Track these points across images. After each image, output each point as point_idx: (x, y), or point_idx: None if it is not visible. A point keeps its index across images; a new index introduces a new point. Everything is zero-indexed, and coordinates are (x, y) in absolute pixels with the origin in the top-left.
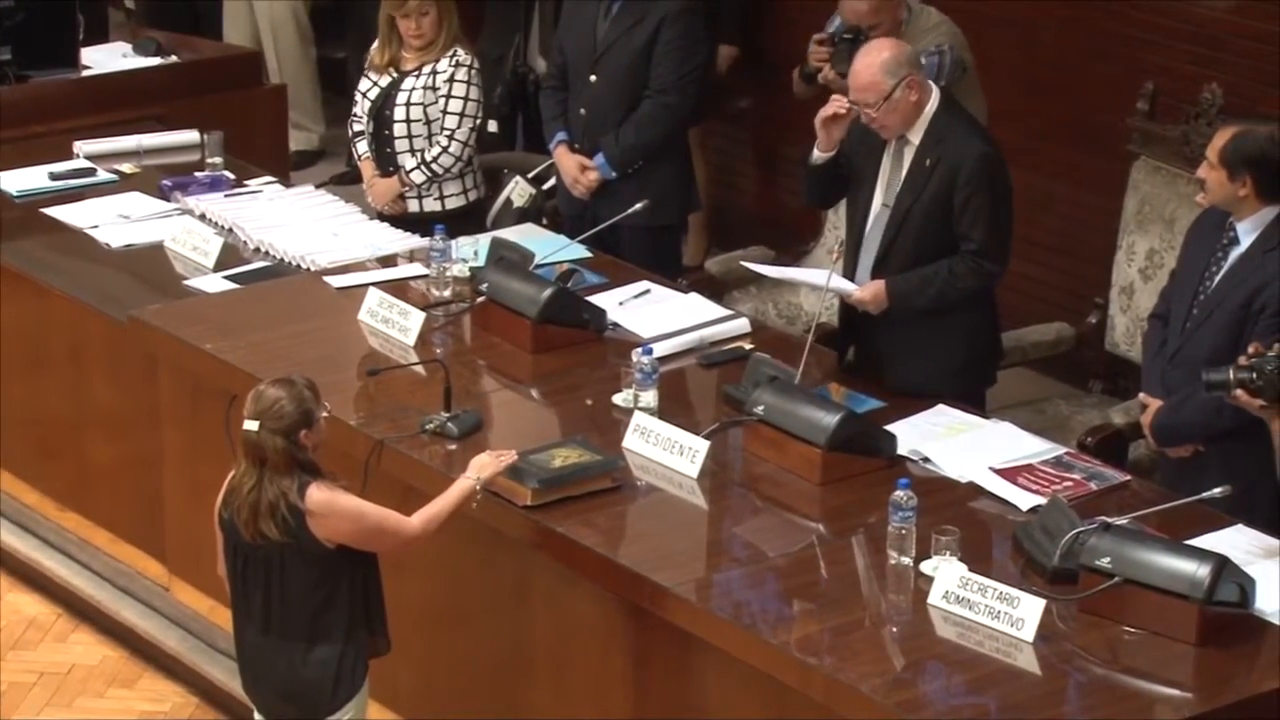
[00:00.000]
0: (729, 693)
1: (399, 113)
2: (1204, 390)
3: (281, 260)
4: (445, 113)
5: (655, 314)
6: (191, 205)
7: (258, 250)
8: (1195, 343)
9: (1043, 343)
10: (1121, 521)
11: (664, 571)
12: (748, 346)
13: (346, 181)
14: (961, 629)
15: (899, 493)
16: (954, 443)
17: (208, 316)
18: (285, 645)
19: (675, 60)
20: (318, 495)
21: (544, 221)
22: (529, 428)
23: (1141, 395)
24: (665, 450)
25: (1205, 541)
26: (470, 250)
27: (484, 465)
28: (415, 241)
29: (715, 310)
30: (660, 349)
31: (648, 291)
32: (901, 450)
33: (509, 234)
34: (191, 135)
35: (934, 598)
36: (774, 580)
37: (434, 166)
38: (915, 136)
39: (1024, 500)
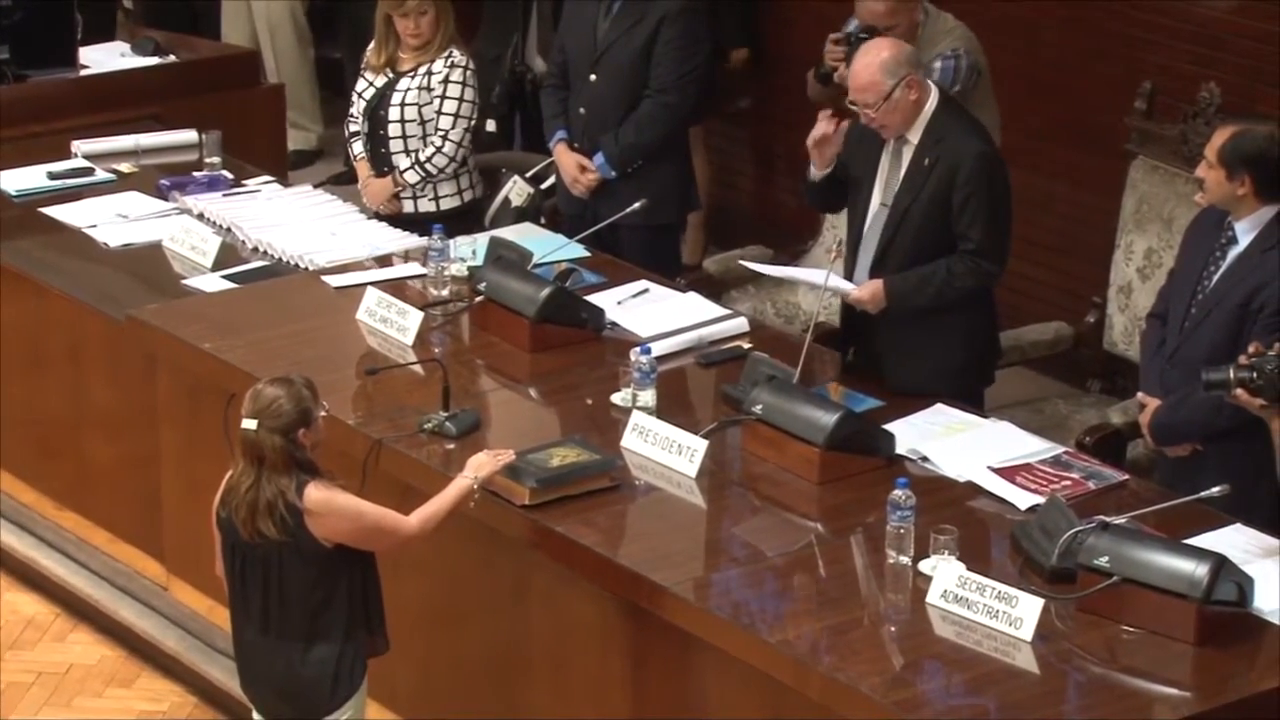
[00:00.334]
0: (727, 692)
1: (394, 113)
2: (1204, 389)
3: (280, 260)
4: (440, 113)
5: (653, 313)
6: (190, 205)
7: (256, 250)
8: (1193, 342)
9: (1041, 342)
10: (1120, 521)
11: (662, 571)
12: (746, 346)
13: (344, 181)
14: (960, 628)
15: (897, 492)
16: (952, 442)
17: (206, 316)
18: (284, 644)
19: (675, 60)
20: (316, 494)
21: (542, 221)
22: (527, 427)
23: (1140, 394)
24: (664, 449)
25: (1204, 541)
26: (468, 249)
27: (482, 464)
28: (413, 241)
29: (713, 309)
30: (659, 348)
31: (646, 291)
32: (900, 449)
33: (507, 233)
34: (190, 135)
35: (932, 597)
36: (772, 579)
37: (428, 167)
38: (914, 136)
39: (1022, 499)
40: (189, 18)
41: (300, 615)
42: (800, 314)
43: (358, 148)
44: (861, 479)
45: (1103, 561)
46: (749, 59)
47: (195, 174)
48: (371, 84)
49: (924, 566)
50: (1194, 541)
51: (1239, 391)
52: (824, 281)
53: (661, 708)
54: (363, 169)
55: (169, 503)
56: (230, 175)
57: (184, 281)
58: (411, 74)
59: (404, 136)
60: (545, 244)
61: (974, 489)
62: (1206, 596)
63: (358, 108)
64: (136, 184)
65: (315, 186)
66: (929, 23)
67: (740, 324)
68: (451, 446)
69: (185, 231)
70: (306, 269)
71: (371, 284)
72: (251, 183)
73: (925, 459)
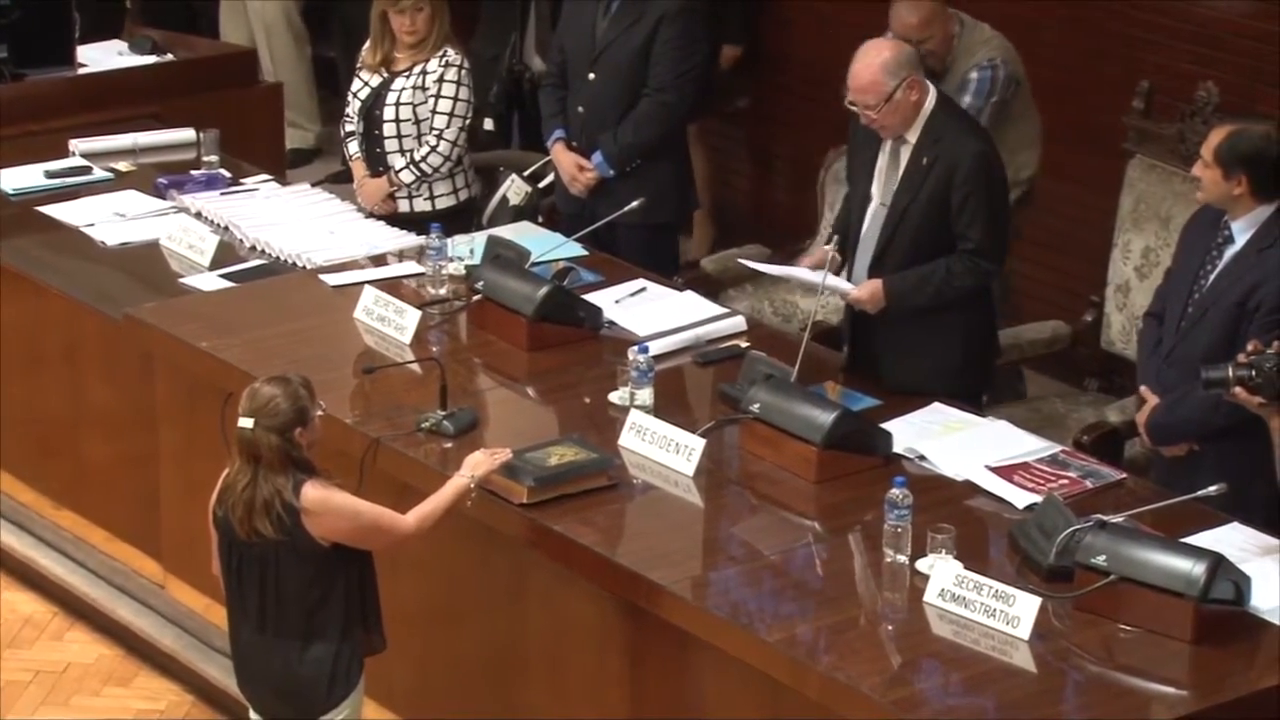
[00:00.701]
0: (725, 691)
1: (389, 113)
2: (1203, 388)
3: (277, 258)
4: (435, 113)
5: (651, 312)
6: (187, 203)
7: (253, 248)
8: (1190, 341)
9: (1038, 341)
10: (1117, 519)
11: (660, 570)
12: (744, 344)
13: (342, 180)
14: (957, 627)
15: (895, 491)
16: (950, 441)
17: (203, 314)
18: (280, 643)
19: (673, 59)
20: (312, 493)
21: (540, 220)
22: (525, 426)
23: (1141, 389)
24: (661, 448)
25: (1201, 539)
26: (466, 248)
27: (479, 463)
28: (411, 240)
29: (711, 308)
30: (656, 347)
31: (644, 290)
32: (897, 448)
33: (505, 232)
34: (187, 133)
35: (930, 596)
36: (770, 578)
37: (423, 166)
38: (912, 135)
39: (1020, 498)
40: (187, 16)
41: (297, 614)
42: (798, 313)
43: (353, 147)
44: (859, 478)
45: (1100, 560)
46: (739, 58)
47: (193, 173)
48: (366, 84)
49: (921, 565)
50: (1191, 540)
51: (1238, 390)
52: (822, 280)
53: (659, 707)
54: (358, 169)
55: (166, 501)
56: (228, 174)
57: (181, 280)
58: (406, 73)
59: (399, 136)
60: (543, 243)
61: (971, 488)
62: (1203, 595)
63: (353, 107)
64: (134, 183)
65: (313, 185)
66: (965, 33)
67: (738, 323)
68: (449, 445)
69: (183, 230)
70: (304, 268)
71: (369, 283)
72: (249, 181)
73: (923, 458)
